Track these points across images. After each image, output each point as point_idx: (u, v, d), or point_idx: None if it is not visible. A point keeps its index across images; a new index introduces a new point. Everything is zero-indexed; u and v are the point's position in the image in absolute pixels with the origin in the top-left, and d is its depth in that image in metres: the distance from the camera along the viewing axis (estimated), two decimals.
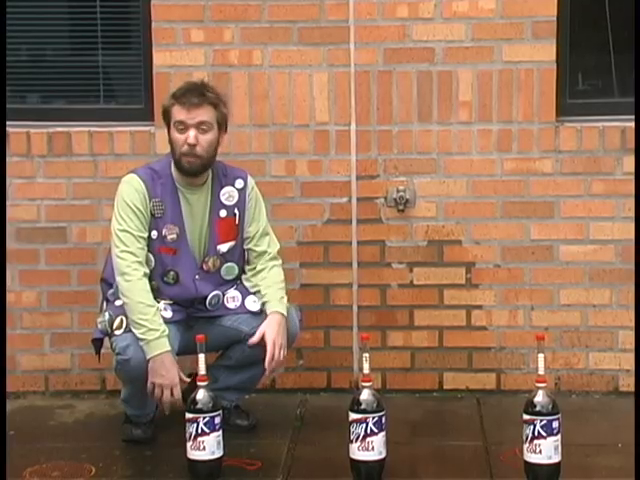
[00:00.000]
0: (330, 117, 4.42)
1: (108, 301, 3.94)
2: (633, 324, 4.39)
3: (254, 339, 3.83)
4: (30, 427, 4.21)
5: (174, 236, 3.88)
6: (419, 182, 4.41)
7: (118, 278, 3.80)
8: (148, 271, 3.87)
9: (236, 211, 3.97)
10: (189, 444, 3.62)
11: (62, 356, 4.56)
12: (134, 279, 3.79)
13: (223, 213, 3.95)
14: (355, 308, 4.49)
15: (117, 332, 3.84)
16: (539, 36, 4.31)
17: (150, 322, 3.76)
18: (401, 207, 4.41)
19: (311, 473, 3.79)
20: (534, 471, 3.54)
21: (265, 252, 4.05)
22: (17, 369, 4.55)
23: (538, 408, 3.54)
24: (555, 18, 4.30)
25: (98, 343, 3.94)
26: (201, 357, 3.61)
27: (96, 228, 4.38)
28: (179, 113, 3.84)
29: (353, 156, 4.42)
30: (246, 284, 4.02)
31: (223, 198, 3.96)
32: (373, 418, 3.56)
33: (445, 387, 4.51)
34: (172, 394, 3.81)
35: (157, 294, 3.87)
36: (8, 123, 4.39)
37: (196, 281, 3.92)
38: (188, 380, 3.83)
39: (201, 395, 3.62)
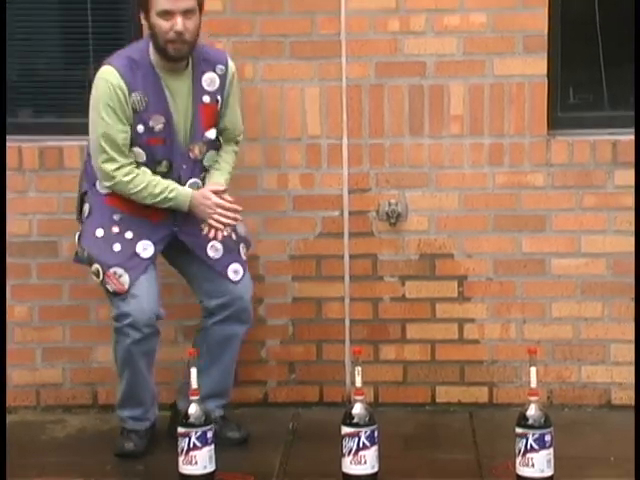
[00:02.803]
0: (322, 131, 4.41)
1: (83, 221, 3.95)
2: (625, 337, 4.39)
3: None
4: (21, 442, 4.18)
5: (161, 126, 3.85)
6: (411, 195, 4.41)
7: (108, 184, 3.79)
8: (135, 164, 3.83)
9: (218, 97, 3.99)
10: (181, 458, 3.61)
11: (53, 371, 4.54)
12: (128, 179, 3.77)
13: (206, 99, 3.95)
14: (347, 322, 4.48)
15: (94, 279, 3.91)
16: (530, 50, 4.31)
17: (162, 192, 3.80)
18: (393, 221, 4.40)
19: None
20: None
21: (233, 139, 4.09)
22: (8, 384, 4.46)
23: (530, 421, 3.55)
24: (546, 32, 4.32)
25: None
26: (193, 371, 3.59)
27: None
28: (163, 1, 3.76)
29: (345, 170, 4.42)
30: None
31: (205, 84, 3.95)
32: (365, 432, 3.56)
33: (437, 400, 4.51)
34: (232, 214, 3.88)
35: None
36: None
37: (181, 168, 3.90)
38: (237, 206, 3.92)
39: (193, 409, 3.62)
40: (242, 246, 4.04)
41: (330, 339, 4.50)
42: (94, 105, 3.80)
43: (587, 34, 4.53)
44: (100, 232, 3.88)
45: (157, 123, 3.84)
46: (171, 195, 3.81)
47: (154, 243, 3.90)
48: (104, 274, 3.87)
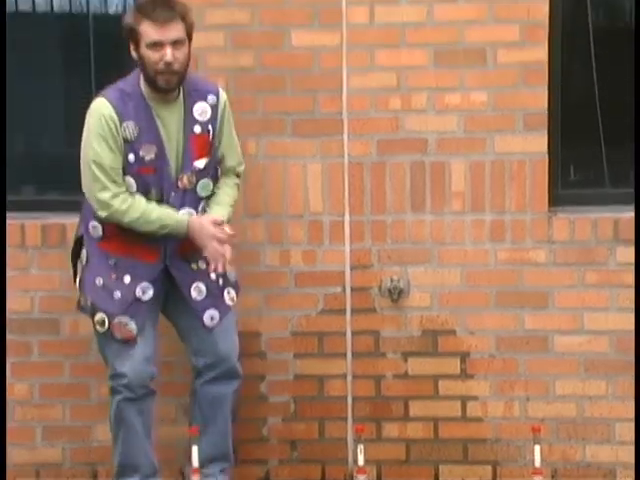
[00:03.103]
0: (324, 207, 4.42)
1: (83, 265, 3.94)
2: (630, 416, 4.34)
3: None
4: None
5: (152, 156, 3.83)
6: (413, 272, 4.41)
7: (105, 214, 3.77)
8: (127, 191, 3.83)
9: (209, 127, 3.98)
10: None
11: (53, 450, 4.54)
12: (122, 208, 3.76)
13: (197, 129, 3.94)
14: (350, 399, 4.46)
15: (99, 329, 3.91)
16: (530, 128, 4.33)
17: (158, 218, 3.81)
18: (395, 297, 4.40)
19: None
20: None
21: (232, 168, 4.09)
22: (8, 462, 4.37)
23: None
24: (546, 110, 4.34)
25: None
26: (194, 449, 3.60)
27: (88, 320, 4.22)
28: (152, 32, 3.77)
29: (347, 246, 4.42)
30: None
31: (196, 114, 3.95)
32: None
33: (441, 479, 4.45)
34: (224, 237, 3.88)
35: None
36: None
37: (171, 198, 3.86)
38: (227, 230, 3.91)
39: None
40: (228, 291, 4.01)
41: (332, 417, 4.48)
42: (86, 136, 3.83)
43: (587, 112, 4.57)
44: (99, 281, 3.89)
45: (148, 153, 3.84)
46: (167, 222, 3.80)
47: (152, 283, 3.90)
48: (110, 324, 3.86)
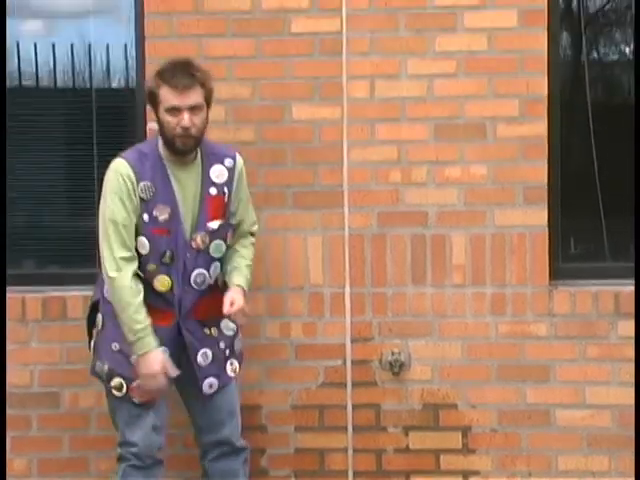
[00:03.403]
0: (324, 280, 4.41)
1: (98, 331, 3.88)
2: None
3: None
4: None
5: (166, 216, 3.81)
6: (414, 345, 4.39)
7: (107, 276, 3.75)
8: (134, 267, 3.82)
9: (225, 190, 3.97)
10: None
11: None
12: (123, 283, 3.73)
13: (213, 191, 3.94)
14: (350, 473, 4.44)
15: (116, 393, 3.85)
16: (531, 201, 4.34)
17: (136, 322, 3.75)
18: (396, 370, 4.38)
19: None
20: None
21: (247, 231, 4.09)
22: None
23: None
24: (546, 184, 4.35)
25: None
26: None
27: (89, 392, 4.31)
28: (171, 97, 3.79)
29: (347, 318, 4.41)
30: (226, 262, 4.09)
31: (213, 176, 3.95)
32: None
33: None
34: (158, 383, 3.80)
35: (153, 278, 3.81)
36: None
37: (185, 258, 3.84)
38: (177, 372, 3.82)
39: None
40: (231, 362, 3.99)
41: None
42: (104, 195, 3.82)
43: (586, 185, 4.60)
44: (116, 346, 3.84)
45: (162, 213, 3.82)
46: (140, 332, 3.73)
47: (167, 347, 3.84)
48: (127, 388, 3.81)
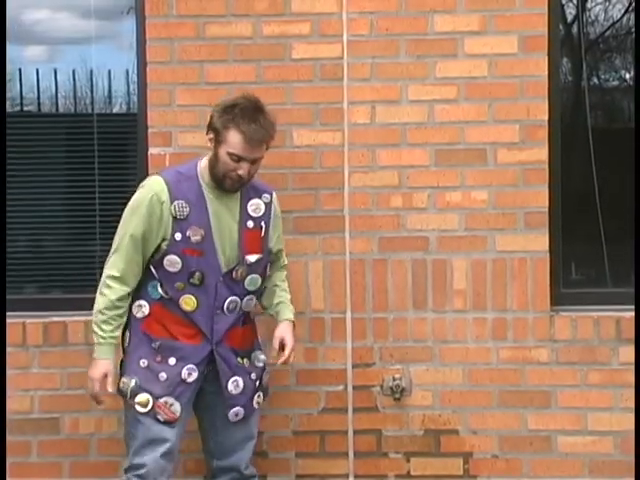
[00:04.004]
0: (325, 305, 4.40)
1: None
2: None
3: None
4: None
5: (198, 238, 3.79)
6: (415, 370, 4.38)
7: (104, 278, 3.76)
8: (130, 288, 3.84)
9: (262, 224, 3.97)
10: None
11: None
12: (111, 292, 3.75)
13: (250, 224, 3.93)
14: None
15: (140, 409, 3.83)
16: (531, 226, 4.34)
17: (102, 330, 3.80)
18: (397, 395, 4.37)
19: None
20: None
21: (283, 266, 4.14)
22: None
23: None
24: (547, 209, 4.34)
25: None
26: None
27: (89, 418, 4.31)
28: (238, 145, 3.73)
29: (349, 343, 4.39)
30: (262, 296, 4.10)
31: (250, 209, 3.93)
32: None
33: None
34: (95, 388, 3.84)
35: (179, 297, 3.85)
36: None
37: (218, 285, 3.82)
38: (110, 390, 3.84)
39: None
40: (259, 394, 3.99)
41: None
42: (128, 210, 3.80)
43: (587, 211, 4.60)
44: (144, 362, 3.83)
45: (195, 235, 3.80)
46: (102, 338, 3.78)
47: (197, 365, 3.84)
48: (154, 404, 3.80)
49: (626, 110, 4.89)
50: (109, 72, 4.77)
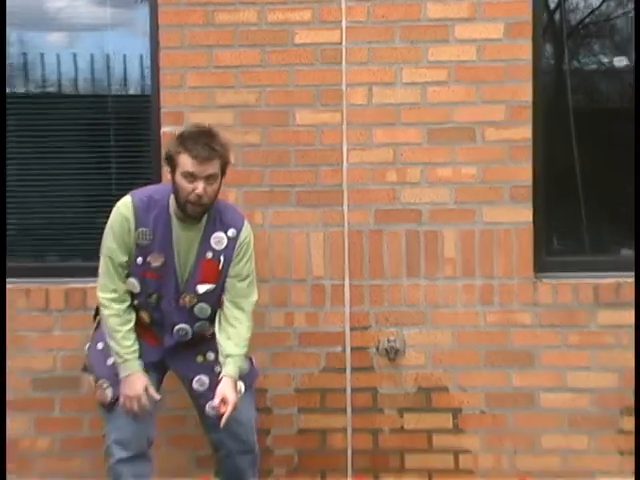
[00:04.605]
0: (325, 272, 4.47)
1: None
2: (610, 469, 4.38)
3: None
4: None
5: (158, 264, 3.79)
6: (408, 333, 4.45)
7: (100, 300, 3.81)
8: (127, 301, 3.83)
9: (222, 257, 3.87)
10: None
11: None
12: (113, 310, 3.77)
13: (209, 255, 3.86)
14: (349, 452, 4.49)
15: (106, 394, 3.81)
16: (516, 200, 4.39)
17: (121, 347, 3.78)
18: (392, 356, 4.44)
19: None
20: None
21: (239, 305, 3.89)
22: None
23: None
24: (531, 183, 4.40)
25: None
26: None
27: None
28: (189, 164, 3.70)
29: (347, 308, 4.46)
30: (216, 328, 3.89)
31: (213, 242, 3.86)
32: None
33: None
34: (138, 404, 3.78)
35: (138, 310, 3.85)
36: (29, 280, 4.51)
37: (170, 308, 3.84)
38: (158, 396, 3.83)
39: None
40: (239, 384, 3.88)
41: (333, 469, 4.51)
42: (107, 229, 3.82)
43: (569, 185, 4.65)
44: (100, 345, 3.89)
45: (156, 261, 3.80)
46: (124, 356, 3.77)
47: (147, 364, 3.84)
48: (95, 383, 3.87)
49: (604, 92, 4.95)
50: (124, 57, 4.77)
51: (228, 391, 3.74)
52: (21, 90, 4.80)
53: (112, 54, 4.78)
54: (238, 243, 3.85)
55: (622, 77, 4.84)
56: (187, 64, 4.44)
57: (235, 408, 3.72)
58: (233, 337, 3.83)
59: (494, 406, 4.46)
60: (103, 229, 3.87)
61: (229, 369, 3.80)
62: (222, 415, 3.72)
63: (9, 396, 4.37)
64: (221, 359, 3.82)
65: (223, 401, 3.74)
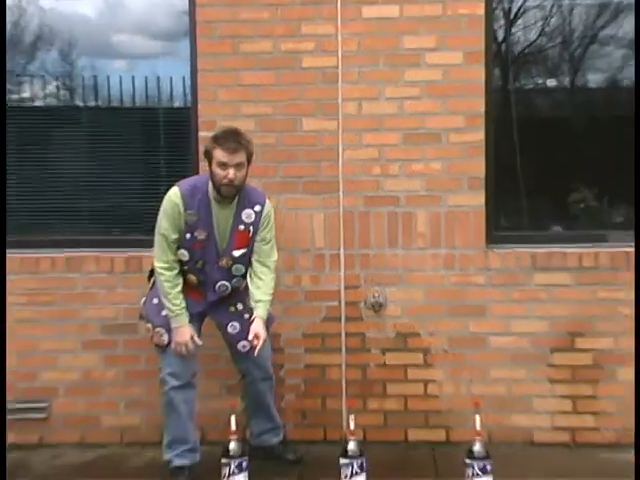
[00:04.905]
0: (325, 244, 4.51)
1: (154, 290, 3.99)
2: (541, 393, 4.44)
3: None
4: (109, 468, 4.25)
5: (203, 237, 3.86)
6: (389, 291, 4.49)
7: (156, 268, 3.88)
8: (177, 268, 3.88)
9: (251, 228, 3.94)
10: None
11: (133, 417, 4.60)
12: (165, 277, 3.85)
13: (241, 227, 3.92)
14: (344, 382, 4.52)
15: (161, 338, 3.86)
16: (472, 188, 4.44)
17: (173, 305, 3.86)
18: (376, 309, 4.49)
19: None
20: None
21: (263, 263, 3.98)
22: (99, 426, 4.58)
23: (476, 455, 3.65)
24: (484, 175, 4.44)
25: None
26: (232, 418, 3.66)
27: None
28: (221, 155, 3.78)
29: (342, 272, 4.50)
30: (248, 281, 3.97)
31: (244, 216, 3.92)
32: (357, 462, 3.66)
33: (409, 439, 4.53)
34: (186, 348, 3.87)
35: (187, 275, 3.90)
36: (98, 250, 4.56)
37: (213, 270, 3.92)
38: (200, 342, 3.90)
39: (232, 445, 3.69)
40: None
41: (331, 394, 4.54)
42: (160, 213, 3.89)
43: (512, 177, 4.64)
44: (155, 300, 3.98)
45: (200, 235, 3.88)
46: (176, 312, 3.86)
47: (192, 315, 3.93)
48: (152, 330, 3.97)
49: (539, 106, 4.90)
50: (171, 78, 4.75)
51: (259, 329, 3.88)
52: (92, 104, 4.78)
53: (162, 76, 4.75)
54: (263, 215, 3.95)
55: (553, 94, 4.87)
56: (219, 83, 4.47)
57: (265, 341, 3.86)
58: (261, 287, 3.95)
59: (455, 346, 4.50)
60: (155, 210, 3.94)
61: (259, 312, 3.93)
62: (254, 347, 3.84)
63: (83, 339, 4.54)
64: (252, 304, 3.93)
65: (256, 336, 3.84)
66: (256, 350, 3.86)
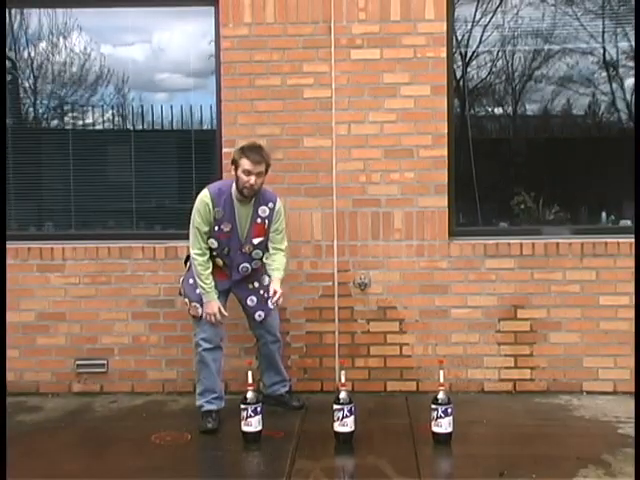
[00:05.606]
0: (322, 237, 4.53)
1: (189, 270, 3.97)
2: (491, 353, 4.45)
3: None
4: (153, 411, 4.29)
5: (227, 229, 3.88)
6: (373, 273, 4.51)
7: (191, 255, 3.88)
8: (207, 254, 3.87)
9: (266, 221, 3.96)
10: (242, 422, 3.75)
11: (172, 372, 4.61)
12: (198, 261, 3.85)
13: (258, 220, 3.94)
14: (337, 345, 4.55)
15: (195, 311, 3.85)
16: (438, 193, 4.46)
17: (204, 284, 3.87)
18: (363, 288, 4.52)
19: (312, 438, 3.84)
20: (437, 437, 3.69)
21: (277, 247, 4.00)
22: (145, 379, 4.59)
23: (440, 401, 3.70)
24: (446, 183, 4.46)
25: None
26: (249, 373, 3.71)
27: None
28: (247, 164, 3.80)
29: (335, 258, 4.52)
30: (265, 261, 3.99)
31: (260, 212, 3.94)
32: (347, 407, 3.71)
33: (388, 390, 4.55)
34: (215, 318, 3.90)
35: (215, 259, 3.90)
36: (144, 241, 4.53)
37: (236, 255, 3.93)
38: (226, 314, 3.90)
39: (249, 395, 3.74)
40: (273, 302, 3.93)
41: (327, 355, 4.56)
42: (195, 208, 3.91)
43: (469, 184, 4.68)
44: (191, 280, 3.99)
45: (226, 227, 3.91)
46: (207, 289, 3.87)
47: (219, 291, 3.96)
48: (189, 304, 3.99)
49: (489, 129, 4.92)
50: (201, 106, 4.75)
51: (277, 286, 3.94)
52: (139, 128, 4.77)
53: (193, 105, 4.76)
54: (275, 211, 4.01)
55: (499, 120, 4.89)
56: (238, 110, 4.48)
57: (281, 297, 3.90)
58: (276, 260, 4.05)
59: (424, 317, 4.54)
60: (189, 210, 3.96)
61: (275, 274, 3.99)
62: (276, 301, 3.88)
63: (133, 311, 4.51)
64: (270, 272, 3.99)
65: (274, 292, 3.90)
66: (276, 300, 3.87)
